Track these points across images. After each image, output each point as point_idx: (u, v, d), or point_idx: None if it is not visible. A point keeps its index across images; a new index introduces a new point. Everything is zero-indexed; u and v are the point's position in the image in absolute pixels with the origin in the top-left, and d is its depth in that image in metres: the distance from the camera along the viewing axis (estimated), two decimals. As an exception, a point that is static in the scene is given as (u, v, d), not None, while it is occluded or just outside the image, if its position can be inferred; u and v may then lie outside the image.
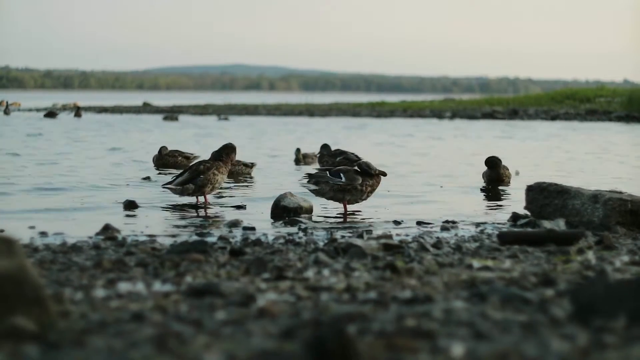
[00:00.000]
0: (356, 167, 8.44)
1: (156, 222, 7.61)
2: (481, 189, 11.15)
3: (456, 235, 6.88)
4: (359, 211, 8.58)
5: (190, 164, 10.15)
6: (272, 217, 7.97)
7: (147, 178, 11.56)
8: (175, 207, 8.81)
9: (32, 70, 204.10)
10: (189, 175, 8.85)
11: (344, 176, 8.28)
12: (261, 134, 25.52)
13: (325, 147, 14.21)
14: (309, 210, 8.17)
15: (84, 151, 16.95)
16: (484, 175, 11.76)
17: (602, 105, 41.64)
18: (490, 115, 39.21)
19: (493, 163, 11.65)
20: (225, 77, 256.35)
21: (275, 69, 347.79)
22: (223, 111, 45.30)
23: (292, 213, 7.96)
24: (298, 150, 15.60)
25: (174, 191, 8.91)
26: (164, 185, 9.02)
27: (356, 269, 4.88)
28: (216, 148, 9.24)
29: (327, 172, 8.40)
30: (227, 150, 9.01)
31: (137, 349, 2.93)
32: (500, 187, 11.28)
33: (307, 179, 8.45)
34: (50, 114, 36.70)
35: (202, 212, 8.56)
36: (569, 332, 3.13)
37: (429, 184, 11.53)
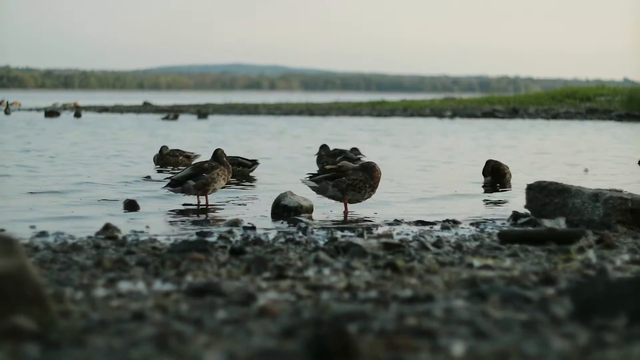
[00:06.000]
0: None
1: (157, 222, 7.61)
2: (481, 188, 11.15)
3: (457, 234, 6.88)
4: (360, 211, 8.58)
5: (193, 162, 10.07)
6: (272, 217, 7.97)
7: (148, 177, 11.56)
8: (176, 207, 8.81)
9: (33, 69, 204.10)
10: (191, 172, 8.77)
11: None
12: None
13: (324, 147, 14.18)
14: (310, 210, 8.17)
15: (84, 151, 16.95)
16: (486, 179, 11.73)
17: (602, 104, 41.64)
18: (491, 114, 39.22)
19: (487, 172, 11.64)
20: (225, 77, 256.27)
21: (276, 68, 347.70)
22: (222, 110, 45.30)
23: (292, 212, 7.96)
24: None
25: (175, 190, 8.86)
26: (164, 187, 8.95)
27: (357, 268, 4.87)
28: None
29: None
30: (223, 155, 8.96)
31: (137, 348, 2.93)
32: (500, 187, 11.27)
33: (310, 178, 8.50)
34: (52, 113, 36.54)
35: (202, 212, 8.56)
36: (569, 330, 3.13)
37: (429, 183, 11.53)
